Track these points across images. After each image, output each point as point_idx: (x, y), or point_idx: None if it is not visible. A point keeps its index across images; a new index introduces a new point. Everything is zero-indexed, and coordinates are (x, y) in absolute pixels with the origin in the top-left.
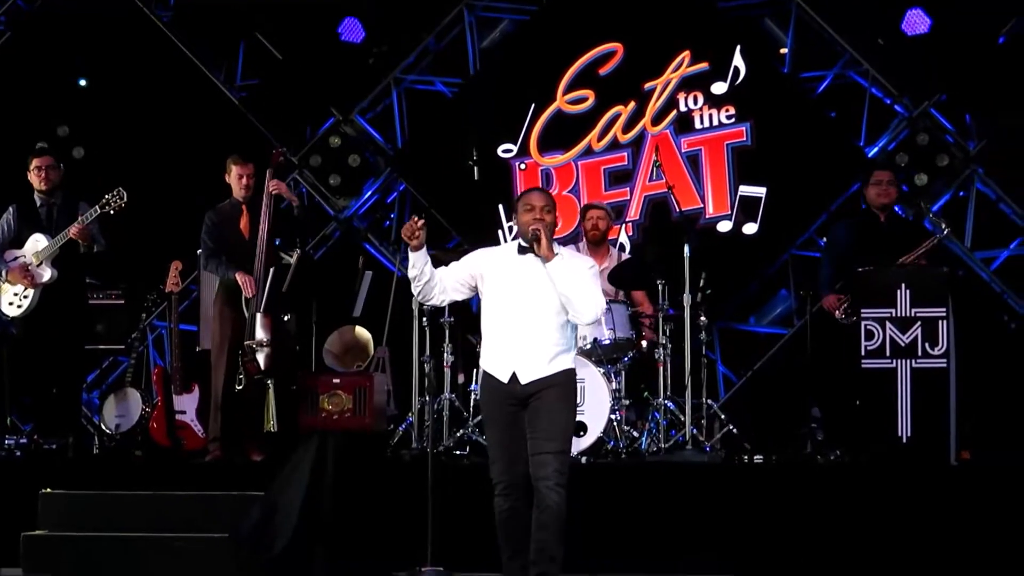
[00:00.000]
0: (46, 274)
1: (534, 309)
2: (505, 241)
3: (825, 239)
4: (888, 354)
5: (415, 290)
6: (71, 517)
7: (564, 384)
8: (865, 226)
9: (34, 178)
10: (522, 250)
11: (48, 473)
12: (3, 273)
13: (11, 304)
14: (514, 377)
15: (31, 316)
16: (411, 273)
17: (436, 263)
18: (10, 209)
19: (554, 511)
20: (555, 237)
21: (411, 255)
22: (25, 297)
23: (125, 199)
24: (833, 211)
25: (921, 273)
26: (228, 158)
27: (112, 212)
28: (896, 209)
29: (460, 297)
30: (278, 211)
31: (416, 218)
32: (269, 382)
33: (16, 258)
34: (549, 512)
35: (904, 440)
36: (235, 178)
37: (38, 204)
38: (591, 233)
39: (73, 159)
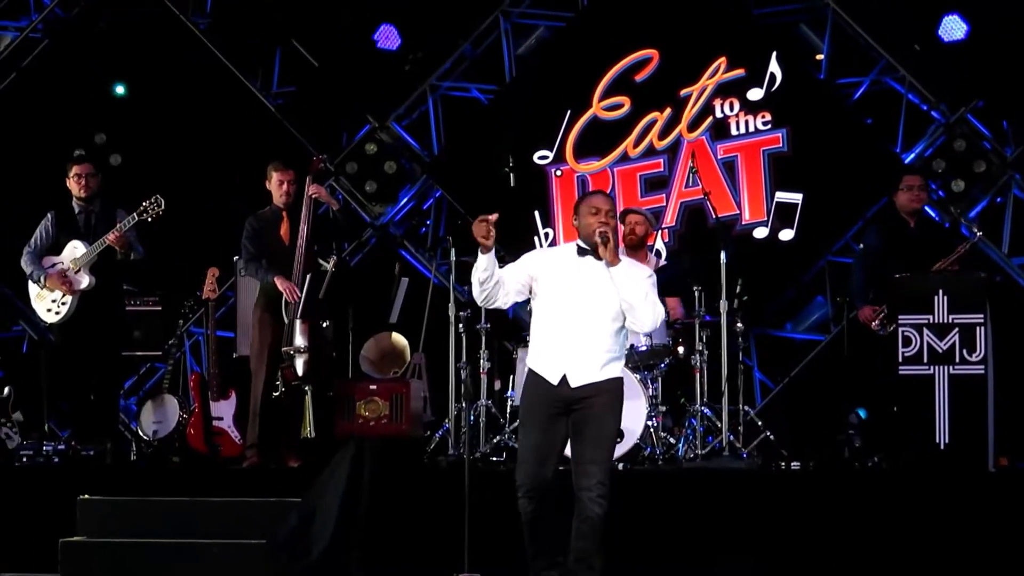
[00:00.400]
0: (84, 281)
1: (591, 313)
2: (541, 247)
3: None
4: (926, 360)
5: (480, 293)
6: (109, 523)
7: (613, 391)
8: (895, 232)
9: (74, 185)
10: (582, 252)
11: (86, 479)
12: (41, 279)
13: (49, 311)
14: (564, 380)
15: (69, 323)
16: (480, 276)
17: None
18: (48, 216)
19: (595, 522)
20: None
21: (482, 257)
22: (63, 304)
23: (163, 206)
24: (869, 217)
25: (958, 279)
26: (269, 165)
27: (149, 220)
28: (931, 213)
29: (520, 299)
30: (317, 217)
31: (489, 216)
32: (307, 388)
33: (54, 264)
34: (590, 523)
35: (942, 446)
36: (275, 184)
37: (76, 211)
38: (628, 238)
39: (110, 166)
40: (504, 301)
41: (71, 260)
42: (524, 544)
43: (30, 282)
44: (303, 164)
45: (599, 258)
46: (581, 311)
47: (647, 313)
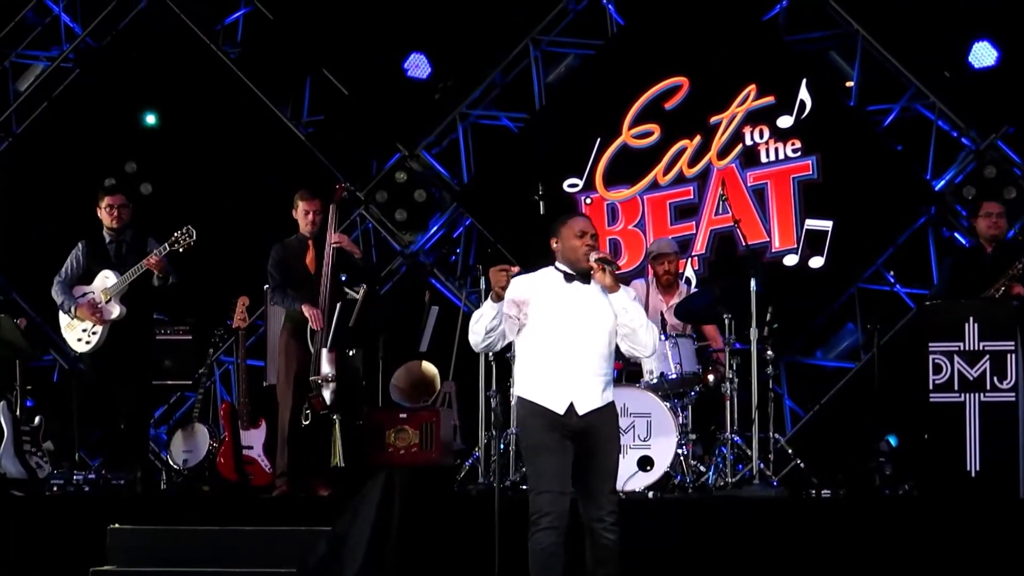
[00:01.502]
0: (115, 311)
1: (589, 339)
2: None
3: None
4: (956, 388)
5: (484, 341)
6: (139, 552)
7: (614, 418)
8: (969, 259)
9: (106, 216)
10: (569, 277)
11: (116, 508)
12: (72, 309)
13: (80, 340)
14: (571, 408)
15: (99, 352)
16: (490, 324)
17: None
18: (79, 245)
19: (612, 550)
20: (623, 271)
21: (492, 305)
22: (94, 333)
23: (194, 237)
24: (900, 244)
25: (990, 307)
26: (295, 193)
27: (181, 250)
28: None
29: (512, 337)
30: (342, 253)
31: (511, 268)
32: (335, 417)
33: (85, 294)
34: (607, 551)
35: (973, 474)
36: (301, 213)
37: (107, 240)
38: (665, 277)
39: (141, 195)
40: (502, 344)
41: (102, 290)
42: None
43: (60, 312)
44: (332, 193)
45: (587, 282)
46: (580, 337)
47: (648, 338)
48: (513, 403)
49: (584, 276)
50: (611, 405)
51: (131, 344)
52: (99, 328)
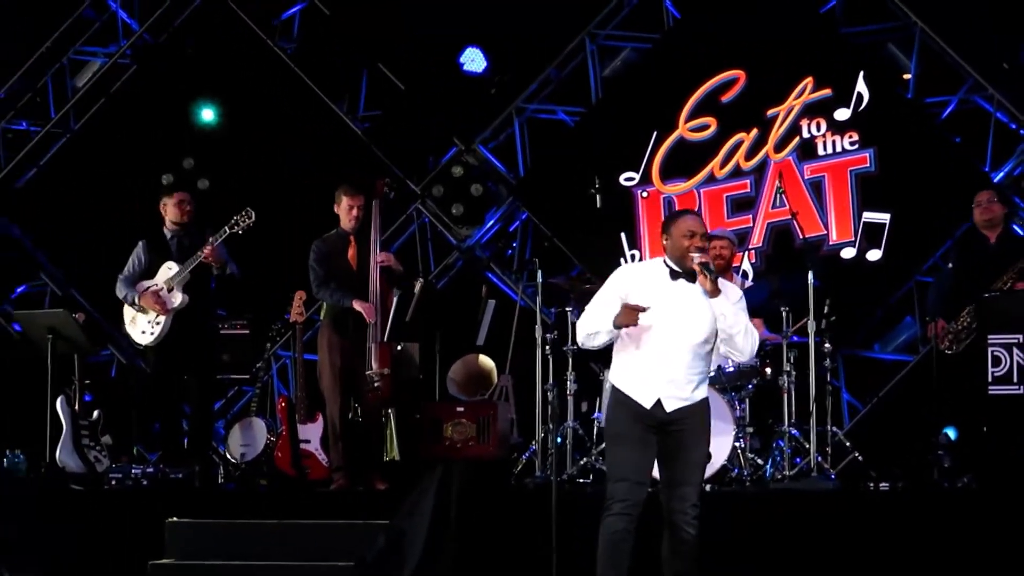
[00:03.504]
0: (177, 299)
1: (686, 337)
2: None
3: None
4: (1016, 380)
5: (588, 340)
6: (197, 545)
7: (704, 413)
8: (970, 249)
9: (175, 212)
10: (675, 275)
11: (175, 502)
12: (136, 300)
13: (144, 332)
14: (659, 403)
15: (163, 344)
16: (600, 343)
17: (563, 292)
18: (140, 244)
19: (692, 544)
20: None
21: (610, 331)
22: (157, 324)
23: (253, 218)
24: (958, 237)
25: None
26: (338, 188)
27: (240, 232)
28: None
29: None
30: (388, 268)
31: (644, 308)
32: (390, 411)
33: (148, 287)
34: (688, 544)
35: None
36: (345, 208)
37: (168, 236)
38: (715, 263)
39: (198, 190)
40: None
41: (164, 280)
42: (599, 564)
43: (125, 307)
44: (373, 188)
45: (692, 281)
46: (676, 335)
47: (747, 344)
48: (606, 388)
49: (690, 275)
50: (703, 402)
51: (194, 338)
52: (162, 319)
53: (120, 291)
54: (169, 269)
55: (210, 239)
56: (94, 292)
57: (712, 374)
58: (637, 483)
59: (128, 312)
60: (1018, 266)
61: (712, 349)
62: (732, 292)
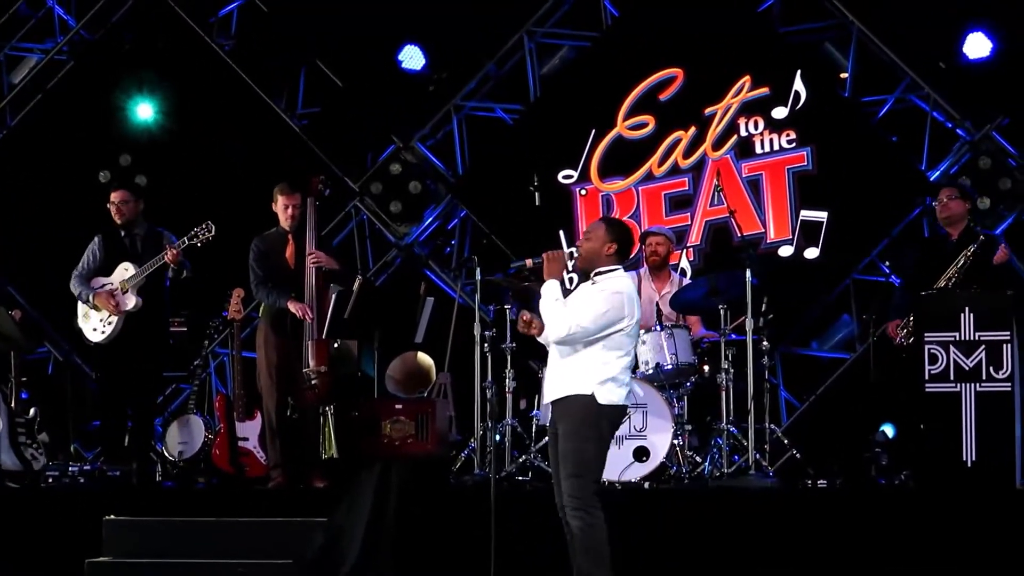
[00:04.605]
0: (131, 302)
1: (549, 337)
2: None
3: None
4: (952, 378)
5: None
6: (135, 544)
7: (570, 408)
8: (933, 247)
9: (113, 210)
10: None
11: (112, 500)
12: (90, 298)
13: (95, 330)
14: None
15: (113, 343)
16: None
17: (501, 289)
18: (96, 239)
19: (578, 537)
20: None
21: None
22: (109, 324)
23: (212, 232)
24: (895, 235)
25: (985, 297)
26: (275, 187)
27: (199, 244)
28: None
29: None
30: (322, 240)
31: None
32: (328, 409)
33: (103, 285)
34: (576, 539)
35: (969, 464)
36: (281, 207)
37: (122, 235)
38: (651, 259)
39: (142, 188)
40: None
41: (120, 281)
42: (603, 554)
43: (79, 303)
44: (308, 185)
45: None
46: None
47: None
48: None
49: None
50: (571, 398)
51: (145, 337)
52: (114, 319)
53: (74, 287)
54: (126, 270)
55: (176, 243)
56: (30, 289)
57: (651, 372)
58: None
59: (81, 308)
60: (959, 263)
61: (579, 349)
62: (548, 288)
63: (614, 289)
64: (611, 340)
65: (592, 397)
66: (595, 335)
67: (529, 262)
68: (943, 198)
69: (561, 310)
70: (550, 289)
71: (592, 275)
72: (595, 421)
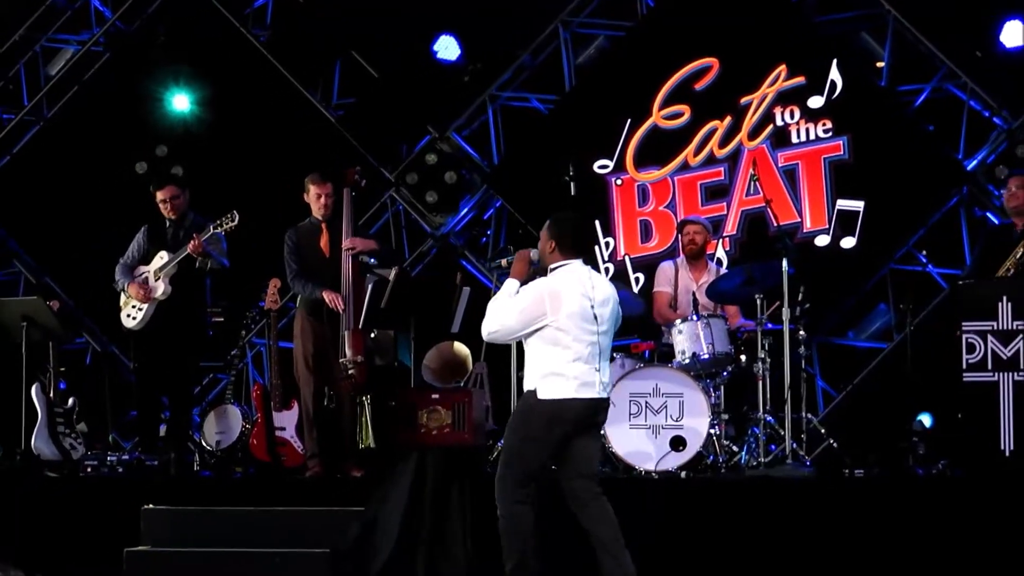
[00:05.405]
0: (159, 289)
1: None
2: (602, 257)
3: None
4: (990, 367)
5: None
6: (173, 533)
7: (521, 403)
8: (997, 236)
9: (161, 210)
10: None
11: (150, 489)
12: (125, 286)
13: (128, 316)
14: None
15: (145, 332)
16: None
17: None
18: (142, 230)
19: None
20: (654, 252)
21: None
22: (140, 310)
23: (236, 221)
24: (932, 224)
25: (1022, 285)
26: (307, 177)
27: (224, 233)
28: None
29: None
30: (359, 230)
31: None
32: (364, 399)
33: (142, 273)
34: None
35: (1007, 453)
36: (313, 197)
37: (167, 224)
38: (688, 248)
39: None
40: None
41: (153, 270)
42: (513, 546)
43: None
44: (344, 176)
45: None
46: None
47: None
48: None
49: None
50: (526, 392)
51: (183, 327)
52: (145, 306)
53: (116, 275)
54: (161, 258)
55: (196, 235)
56: (68, 279)
57: (687, 361)
58: None
59: (121, 297)
60: (1018, 254)
61: (530, 345)
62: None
63: (535, 287)
64: (545, 335)
65: (534, 392)
66: (520, 332)
67: (503, 262)
68: (1012, 187)
69: (495, 308)
70: (504, 288)
71: (514, 270)
72: (528, 416)
